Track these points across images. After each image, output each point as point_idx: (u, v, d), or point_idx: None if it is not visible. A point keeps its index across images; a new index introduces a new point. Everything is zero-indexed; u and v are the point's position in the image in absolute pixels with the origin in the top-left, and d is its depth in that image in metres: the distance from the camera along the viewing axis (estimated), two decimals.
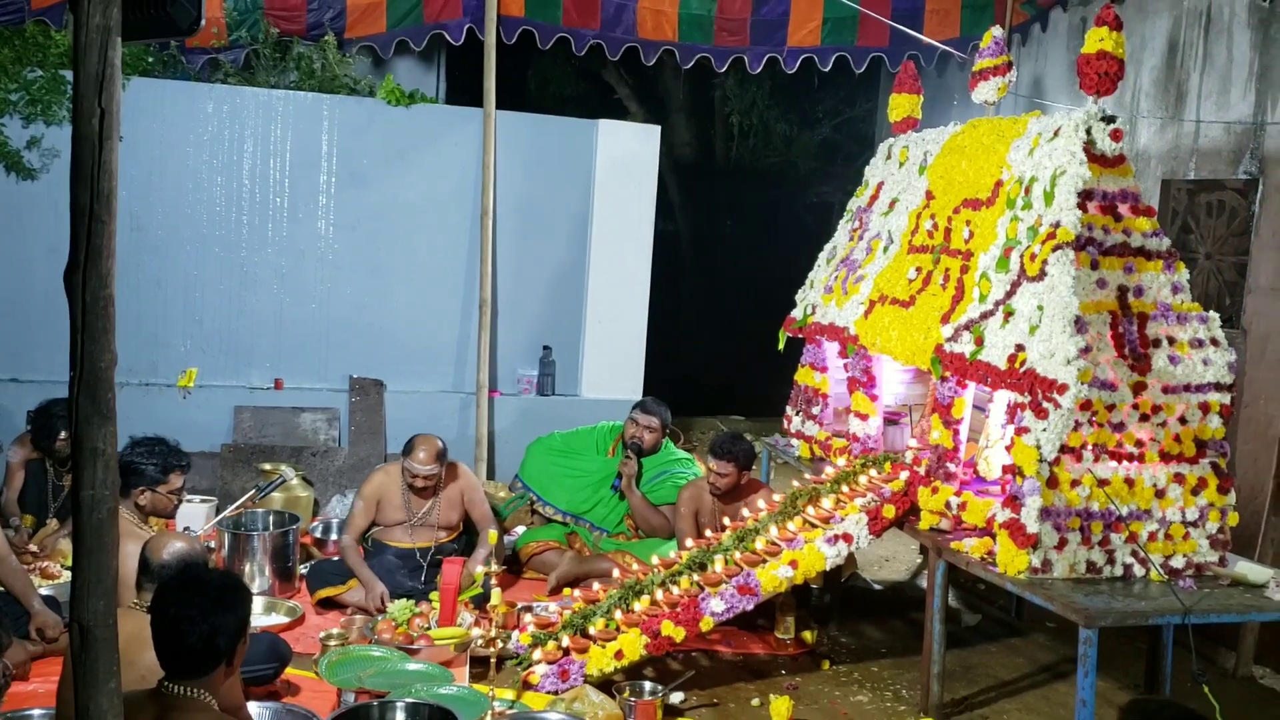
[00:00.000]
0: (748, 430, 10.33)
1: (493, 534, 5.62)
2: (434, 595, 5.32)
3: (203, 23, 2.61)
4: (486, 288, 7.75)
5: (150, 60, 7.49)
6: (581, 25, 7.99)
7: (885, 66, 8.59)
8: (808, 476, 5.63)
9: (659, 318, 8.44)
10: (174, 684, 2.84)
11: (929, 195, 5.56)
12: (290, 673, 4.59)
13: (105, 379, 2.64)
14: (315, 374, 7.71)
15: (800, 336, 6.42)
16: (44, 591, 4.95)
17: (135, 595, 3.56)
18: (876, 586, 6.64)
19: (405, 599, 5.31)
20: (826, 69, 8.45)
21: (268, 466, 6.81)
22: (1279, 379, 5.58)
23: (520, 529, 6.64)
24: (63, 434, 5.79)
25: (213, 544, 5.68)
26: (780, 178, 13.77)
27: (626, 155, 8.13)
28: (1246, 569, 4.40)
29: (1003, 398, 4.81)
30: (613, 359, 8.18)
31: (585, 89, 12.80)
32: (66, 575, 5.51)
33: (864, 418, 5.72)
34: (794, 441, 6.46)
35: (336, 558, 6.05)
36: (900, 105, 6.29)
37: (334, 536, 6.43)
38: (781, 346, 6.61)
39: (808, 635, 5.49)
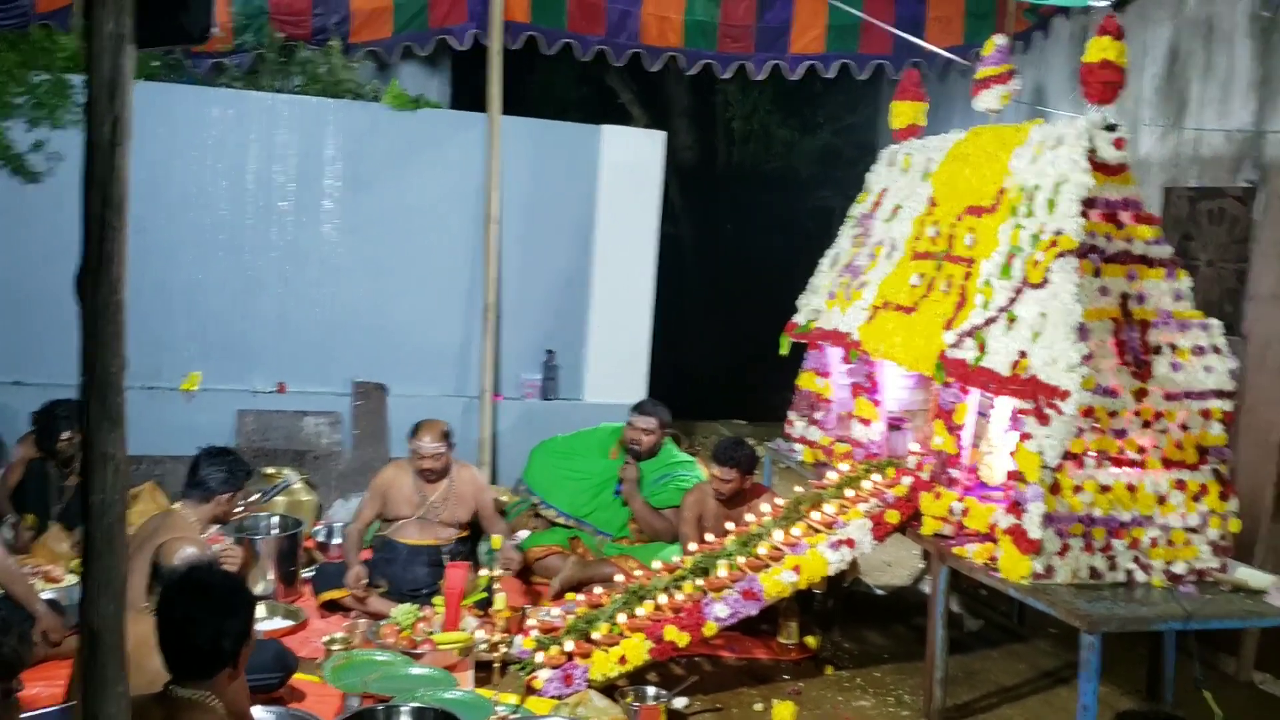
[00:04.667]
0: (749, 434, 10.32)
1: (496, 539, 5.64)
2: (437, 600, 5.33)
3: (214, 30, 2.64)
4: (490, 292, 7.76)
5: (156, 64, 7.51)
6: (586, 31, 8.01)
7: (887, 73, 8.61)
8: (811, 482, 5.64)
9: (660, 322, 8.45)
10: (179, 687, 2.85)
11: (932, 202, 5.57)
12: (295, 677, 4.60)
13: (115, 384, 2.66)
14: (318, 378, 7.72)
15: (803, 342, 6.44)
16: (46, 595, 4.97)
17: (146, 599, 3.57)
18: (879, 592, 6.65)
19: (410, 603, 5.33)
20: (830, 75, 8.48)
21: (271, 470, 6.82)
22: (1279, 387, 5.60)
23: (524, 533, 6.65)
24: (65, 433, 5.81)
25: (218, 548, 5.69)
26: (781, 182, 13.79)
27: (631, 160, 8.14)
28: (1247, 575, 4.42)
29: (1004, 403, 4.83)
30: (616, 364, 8.19)
31: (588, 94, 12.82)
32: (69, 579, 5.53)
33: (867, 423, 5.74)
34: (797, 446, 6.47)
35: (340, 561, 6.08)
36: (903, 113, 6.31)
37: (337, 540, 6.45)
38: (785, 352, 6.62)
39: (810, 640, 5.51)
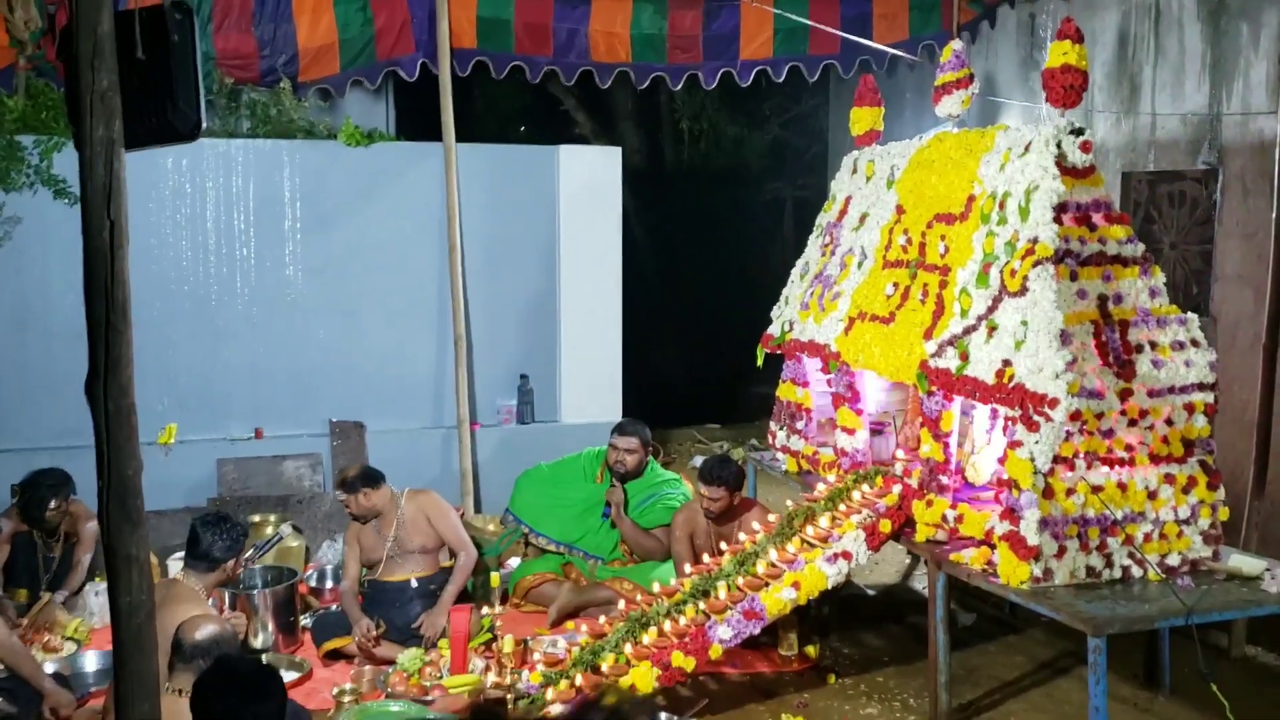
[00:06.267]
0: (724, 437, 10.41)
1: (495, 577, 5.64)
2: (443, 644, 5.33)
3: (204, 126, 2.61)
4: (459, 322, 7.74)
5: None
6: (534, 52, 7.99)
7: (837, 71, 8.66)
8: (802, 495, 5.69)
9: (626, 332, 8.48)
10: None
11: (899, 210, 5.63)
12: None
13: (133, 486, 2.66)
14: (295, 421, 7.67)
15: (779, 353, 6.49)
16: (49, 668, 4.92)
17: (168, 678, 3.54)
18: (870, 592, 6.72)
19: (415, 648, 5.32)
20: (780, 79, 8.53)
21: (256, 518, 6.77)
22: (1250, 365, 5.73)
23: (515, 561, 6.66)
24: (53, 503, 5.74)
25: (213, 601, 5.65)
26: (732, 178, 13.84)
27: (589, 179, 8.16)
28: (1240, 562, 4.52)
29: (987, 407, 4.90)
30: (590, 382, 8.21)
31: (531, 103, 12.82)
32: (69, 647, 5.47)
33: (850, 432, 5.79)
34: (780, 456, 6.52)
35: (336, 607, 6.05)
36: (862, 119, 6.37)
37: (329, 584, 6.43)
38: (760, 363, 6.67)
39: (811, 650, 5.55)
